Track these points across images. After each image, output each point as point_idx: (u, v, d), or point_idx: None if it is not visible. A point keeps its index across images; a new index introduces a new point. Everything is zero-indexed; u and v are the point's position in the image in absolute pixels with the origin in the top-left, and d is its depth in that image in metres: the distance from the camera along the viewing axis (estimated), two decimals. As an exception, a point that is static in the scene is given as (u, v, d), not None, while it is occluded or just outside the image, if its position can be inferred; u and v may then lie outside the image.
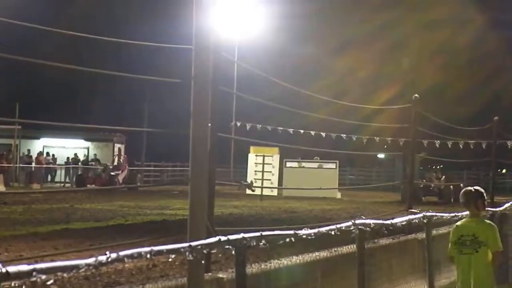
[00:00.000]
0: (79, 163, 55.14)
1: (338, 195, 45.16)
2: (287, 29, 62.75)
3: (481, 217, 8.69)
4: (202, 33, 7.62)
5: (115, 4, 74.42)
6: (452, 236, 8.73)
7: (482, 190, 8.76)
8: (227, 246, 6.17)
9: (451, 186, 38.47)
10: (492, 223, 8.65)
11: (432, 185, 41.54)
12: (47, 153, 55.74)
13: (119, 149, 58.97)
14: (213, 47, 8.04)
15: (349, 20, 60.45)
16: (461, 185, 43.76)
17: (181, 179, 60.52)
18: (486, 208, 9.16)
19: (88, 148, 58.64)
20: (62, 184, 53.48)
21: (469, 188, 8.81)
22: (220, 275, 8.52)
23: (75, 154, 55.95)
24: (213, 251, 6.14)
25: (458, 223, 8.82)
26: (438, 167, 45.59)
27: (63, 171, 55.06)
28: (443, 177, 44.97)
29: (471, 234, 8.48)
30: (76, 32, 9.35)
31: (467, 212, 8.81)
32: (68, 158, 55.77)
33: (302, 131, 35.02)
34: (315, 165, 48.54)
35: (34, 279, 4.12)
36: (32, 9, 56.49)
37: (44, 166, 53.37)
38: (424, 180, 42.04)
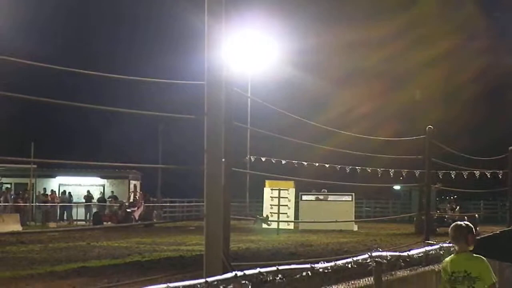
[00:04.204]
0: (92, 200, 55.13)
1: (355, 228, 45.00)
2: (299, 62, 63.04)
3: (469, 252, 8.59)
4: (214, 69, 7.66)
5: (126, 40, 74.97)
6: (443, 273, 8.63)
7: (472, 226, 8.71)
8: (243, 281, 6.14)
9: (466, 217, 38.21)
10: (482, 257, 8.55)
11: (446, 216, 41.33)
12: (64, 191, 55.84)
13: (135, 186, 59.00)
14: (225, 82, 8.07)
15: (360, 53, 60.65)
16: (476, 215, 43.53)
17: (197, 215, 60.46)
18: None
19: (103, 186, 58.68)
20: (69, 221, 53.27)
21: (460, 222, 8.74)
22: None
23: (88, 191, 55.97)
24: (229, 287, 6.11)
25: (447, 259, 8.72)
26: (452, 197, 45.30)
27: (79, 209, 55.03)
28: (458, 207, 44.75)
29: (462, 270, 8.40)
30: (89, 71, 9.41)
31: (455, 247, 8.70)
32: (84, 196, 55.85)
33: (316, 163, 35.02)
34: (331, 198, 48.35)
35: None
36: (50, 48, 56.99)
37: (59, 204, 53.40)
38: (438, 211, 41.81)
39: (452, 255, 8.65)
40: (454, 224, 8.72)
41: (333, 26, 61.85)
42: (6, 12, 49.53)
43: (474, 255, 8.52)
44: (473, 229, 8.65)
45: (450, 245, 9.81)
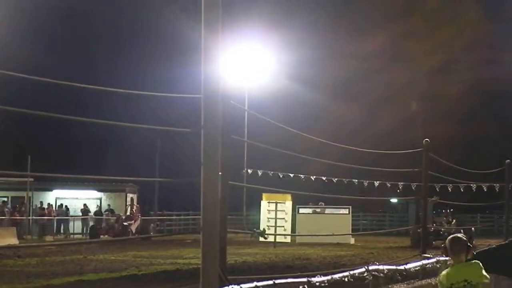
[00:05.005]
0: (89, 213, 55.03)
1: (352, 241, 44.91)
2: (296, 75, 63.11)
3: (465, 261, 8.52)
4: (210, 81, 7.65)
5: (122, 54, 75.07)
6: (440, 286, 8.58)
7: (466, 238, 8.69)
8: (239, 295, 6.14)
9: (462, 230, 38.22)
10: (476, 261, 8.50)
11: (442, 229, 41.30)
12: (60, 205, 55.75)
13: (132, 199, 58.88)
14: (222, 95, 8.06)
15: (356, 66, 60.73)
16: (472, 229, 43.48)
17: (193, 228, 60.38)
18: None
19: (100, 199, 58.56)
20: (66, 235, 53.12)
21: (458, 235, 8.68)
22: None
23: (85, 205, 55.88)
24: (225, 300, 6.10)
25: (444, 272, 8.66)
26: (448, 210, 45.28)
27: (76, 223, 54.92)
28: (454, 220, 44.70)
29: (461, 280, 8.33)
30: (85, 84, 9.41)
31: (451, 261, 8.63)
32: (81, 210, 55.77)
33: (313, 177, 35.00)
34: (328, 210, 48.28)
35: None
36: (45, 61, 57.00)
37: (56, 217, 53.31)
38: (434, 224, 41.76)
39: (449, 268, 8.60)
40: (452, 237, 8.64)
41: (330, 39, 61.90)
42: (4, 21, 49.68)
43: (470, 262, 8.46)
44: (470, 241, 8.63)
45: (447, 258, 9.76)
